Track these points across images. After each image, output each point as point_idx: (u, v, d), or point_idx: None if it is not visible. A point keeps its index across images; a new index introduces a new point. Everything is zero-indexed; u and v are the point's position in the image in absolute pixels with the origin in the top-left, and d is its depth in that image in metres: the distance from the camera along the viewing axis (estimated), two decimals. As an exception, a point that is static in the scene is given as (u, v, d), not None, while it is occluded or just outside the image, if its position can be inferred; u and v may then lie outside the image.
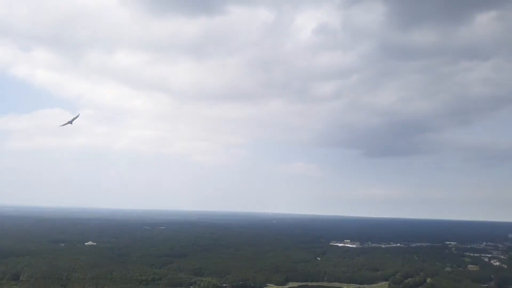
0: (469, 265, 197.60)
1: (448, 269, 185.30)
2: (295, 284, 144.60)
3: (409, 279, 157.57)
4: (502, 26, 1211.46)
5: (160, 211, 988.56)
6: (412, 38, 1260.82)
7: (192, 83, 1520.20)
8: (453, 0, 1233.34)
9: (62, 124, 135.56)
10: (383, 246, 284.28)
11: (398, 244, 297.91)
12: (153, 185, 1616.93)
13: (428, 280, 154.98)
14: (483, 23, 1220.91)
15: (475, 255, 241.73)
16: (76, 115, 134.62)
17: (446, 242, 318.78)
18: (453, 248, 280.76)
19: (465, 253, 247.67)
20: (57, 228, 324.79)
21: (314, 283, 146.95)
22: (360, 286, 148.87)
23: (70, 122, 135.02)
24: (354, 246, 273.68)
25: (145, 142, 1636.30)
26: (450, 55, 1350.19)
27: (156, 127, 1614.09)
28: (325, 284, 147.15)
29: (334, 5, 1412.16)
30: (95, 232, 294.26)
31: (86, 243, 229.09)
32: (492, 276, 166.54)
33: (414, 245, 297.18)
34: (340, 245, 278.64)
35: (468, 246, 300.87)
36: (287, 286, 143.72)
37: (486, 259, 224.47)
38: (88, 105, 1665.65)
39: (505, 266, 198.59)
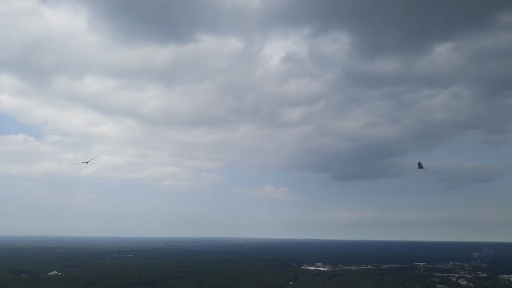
0: (437, 285, 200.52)
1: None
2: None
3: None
4: (458, 56, 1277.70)
5: (129, 238, 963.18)
6: (376, 66, 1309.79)
7: (162, 108, 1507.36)
8: (413, 31, 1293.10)
9: (78, 162, 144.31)
10: (354, 268, 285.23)
11: (369, 266, 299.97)
12: (121, 211, 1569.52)
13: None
14: (442, 53, 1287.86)
15: (443, 275, 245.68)
16: (94, 157, 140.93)
17: (415, 263, 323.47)
18: (422, 269, 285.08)
19: (433, 273, 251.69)
20: (18, 258, 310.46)
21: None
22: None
23: (87, 162, 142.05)
24: (325, 269, 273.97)
25: (113, 168, 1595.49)
26: (412, 82, 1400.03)
27: (124, 152, 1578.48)
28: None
29: (301, 35, 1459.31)
30: (59, 261, 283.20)
31: (50, 273, 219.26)
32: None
33: (384, 266, 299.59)
34: (311, 268, 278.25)
35: (436, 266, 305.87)
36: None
37: (454, 279, 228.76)
38: (54, 130, 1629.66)
39: (472, 285, 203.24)
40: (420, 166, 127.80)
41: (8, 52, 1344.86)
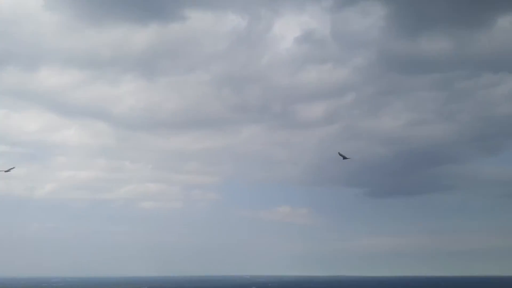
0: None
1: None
2: None
3: None
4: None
5: (99, 278, 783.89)
6: (421, 47, 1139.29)
7: (141, 107, 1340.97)
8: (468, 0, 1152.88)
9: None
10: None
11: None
12: (89, 244, 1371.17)
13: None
14: (507, 27, 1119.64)
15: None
16: (13, 167, 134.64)
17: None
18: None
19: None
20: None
21: None
22: None
23: (5, 170, 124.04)
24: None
25: (79, 187, 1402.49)
26: (469, 66, 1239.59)
27: (93, 166, 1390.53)
28: None
29: (322, 8, 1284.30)
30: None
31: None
32: None
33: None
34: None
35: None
36: None
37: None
38: (1, 139, 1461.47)
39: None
40: (343, 157, 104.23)
41: None
